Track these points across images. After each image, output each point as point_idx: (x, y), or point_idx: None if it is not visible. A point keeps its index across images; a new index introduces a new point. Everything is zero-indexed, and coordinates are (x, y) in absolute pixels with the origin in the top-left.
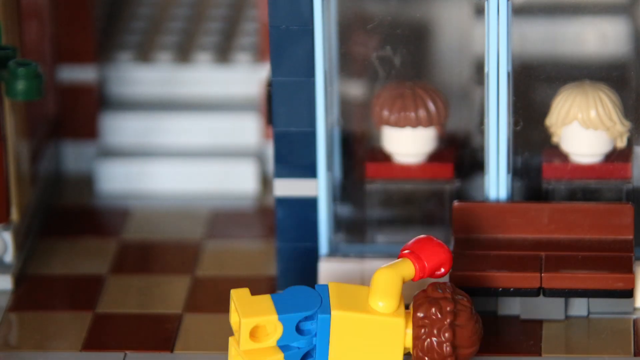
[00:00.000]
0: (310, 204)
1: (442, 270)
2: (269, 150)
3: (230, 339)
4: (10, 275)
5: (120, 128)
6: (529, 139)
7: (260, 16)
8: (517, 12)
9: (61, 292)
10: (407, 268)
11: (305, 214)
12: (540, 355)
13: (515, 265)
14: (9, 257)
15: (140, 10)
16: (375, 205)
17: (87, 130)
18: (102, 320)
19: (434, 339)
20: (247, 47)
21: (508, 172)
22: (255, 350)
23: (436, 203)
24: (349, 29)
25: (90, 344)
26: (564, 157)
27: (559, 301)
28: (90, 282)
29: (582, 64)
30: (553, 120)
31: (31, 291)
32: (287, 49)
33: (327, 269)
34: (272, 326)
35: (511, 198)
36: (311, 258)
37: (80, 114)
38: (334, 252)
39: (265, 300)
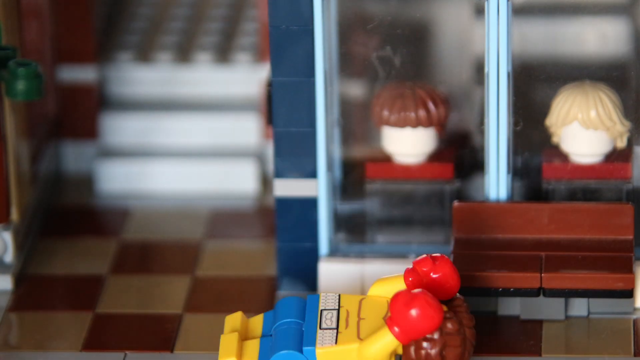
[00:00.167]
0: (310, 204)
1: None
2: (269, 150)
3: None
4: (10, 275)
5: (120, 128)
6: (529, 139)
7: (260, 16)
8: (517, 12)
9: (61, 292)
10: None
11: (305, 214)
12: (540, 355)
13: (515, 266)
14: (9, 257)
15: (140, 10)
16: (375, 206)
17: (87, 130)
18: (102, 320)
19: None
20: (247, 47)
21: (508, 172)
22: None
23: (436, 203)
24: (349, 29)
25: (90, 344)
26: (564, 157)
27: (559, 301)
28: (91, 282)
29: (582, 64)
30: (553, 120)
31: (31, 291)
32: (287, 49)
33: (327, 269)
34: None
35: (511, 198)
36: (311, 258)
37: (80, 114)
38: (334, 252)
39: (253, 345)
